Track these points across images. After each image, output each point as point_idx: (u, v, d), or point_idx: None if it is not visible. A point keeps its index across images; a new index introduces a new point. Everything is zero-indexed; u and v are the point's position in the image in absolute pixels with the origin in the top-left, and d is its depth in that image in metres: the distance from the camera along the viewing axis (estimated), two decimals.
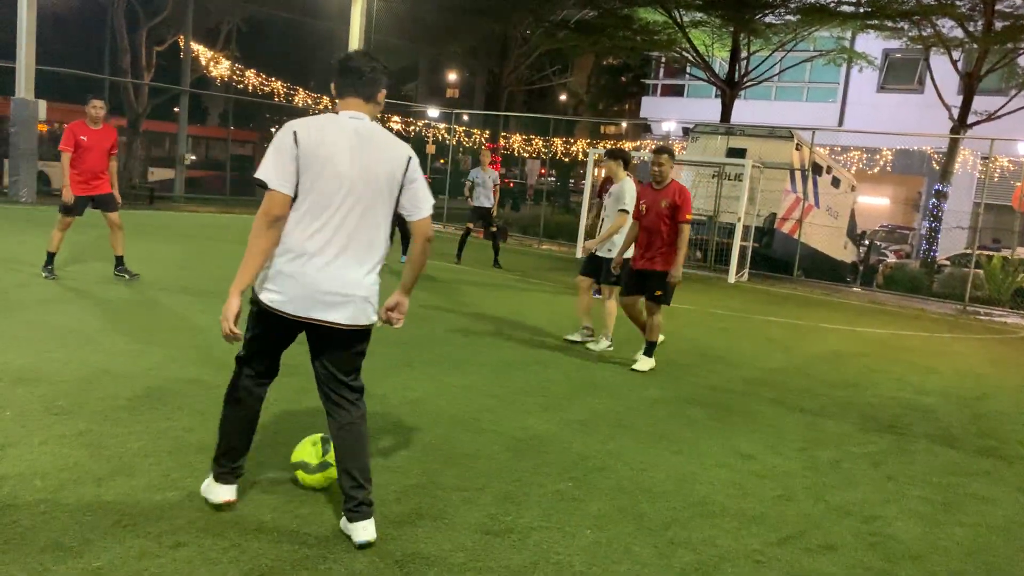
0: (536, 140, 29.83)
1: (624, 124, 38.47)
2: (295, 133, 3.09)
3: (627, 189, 7.37)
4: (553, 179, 39.82)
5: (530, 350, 7.37)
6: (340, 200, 3.14)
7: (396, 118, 29.41)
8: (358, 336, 3.28)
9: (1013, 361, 9.72)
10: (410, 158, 3.25)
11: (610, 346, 7.64)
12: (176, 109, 26.79)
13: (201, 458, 3.90)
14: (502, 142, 28.68)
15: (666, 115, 30.22)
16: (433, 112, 30.99)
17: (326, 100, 27.93)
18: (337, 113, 3.25)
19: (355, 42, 19.57)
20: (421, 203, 3.28)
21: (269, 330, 3.27)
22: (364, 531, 3.22)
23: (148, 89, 24.86)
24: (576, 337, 7.86)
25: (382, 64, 3.31)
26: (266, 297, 3.17)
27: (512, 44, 28.08)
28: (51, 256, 8.30)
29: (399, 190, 3.24)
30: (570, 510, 3.83)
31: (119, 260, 8.61)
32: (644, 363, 6.97)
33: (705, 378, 6.99)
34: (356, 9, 19.48)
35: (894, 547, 3.81)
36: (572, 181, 41.58)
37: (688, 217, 6.85)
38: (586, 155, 19.70)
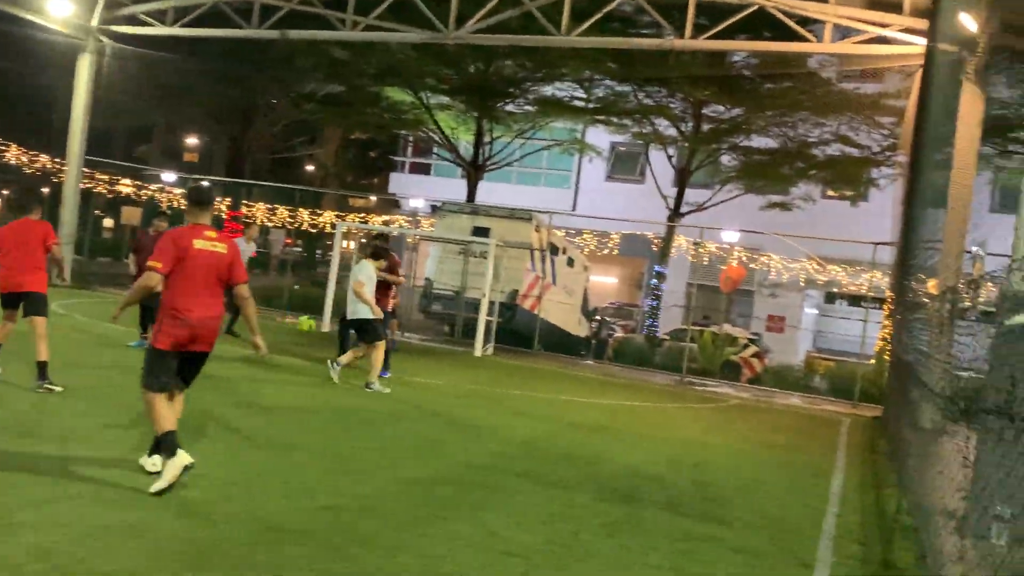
0: (281, 210, 29.11)
1: (373, 198, 38.71)
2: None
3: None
4: (299, 250, 38.91)
5: (271, 430, 6.99)
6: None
7: (127, 181, 27.41)
8: None
9: (725, 428, 10.74)
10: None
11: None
12: None
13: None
14: (244, 210, 27.66)
15: (414, 192, 30.86)
16: (169, 176, 29.26)
17: (44, 159, 25.42)
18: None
19: (81, 99, 18.11)
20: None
21: None
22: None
23: None
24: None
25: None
26: None
27: (256, 111, 27.46)
28: None
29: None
30: None
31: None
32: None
33: (455, 455, 7.01)
34: (83, 65, 18.09)
35: None
36: (320, 253, 40.93)
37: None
38: (334, 227, 19.51)
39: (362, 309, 9.67)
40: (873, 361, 17.43)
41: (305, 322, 16.47)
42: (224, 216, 27.22)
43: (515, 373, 14.08)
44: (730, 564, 4.98)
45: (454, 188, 28.50)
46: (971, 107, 10.78)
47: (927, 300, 9.19)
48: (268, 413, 7.75)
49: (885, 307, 17.83)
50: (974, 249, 9.89)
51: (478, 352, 15.78)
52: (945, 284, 9.91)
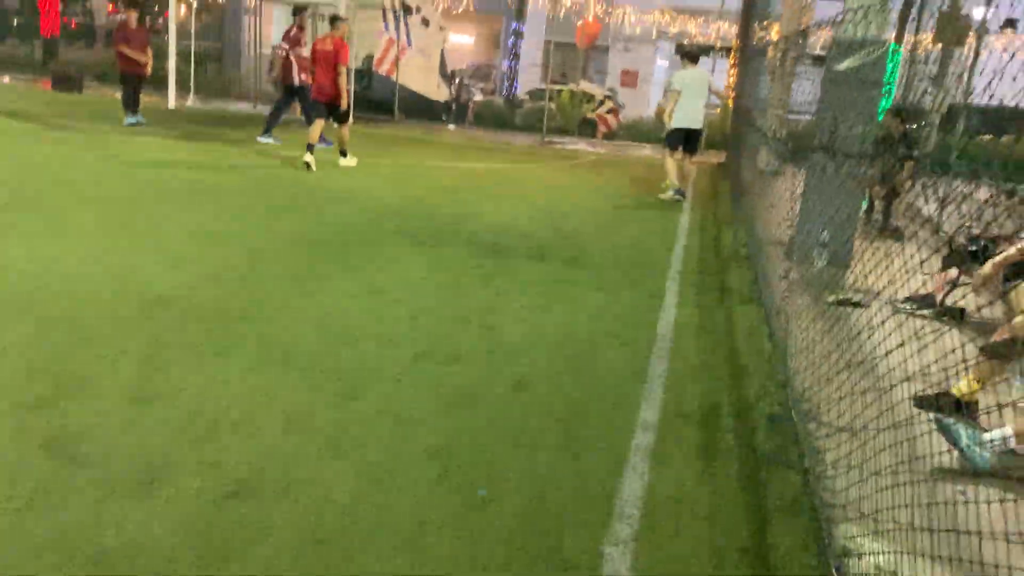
0: None
1: None
2: None
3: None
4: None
5: (115, 210, 6.92)
6: None
7: None
8: None
9: (583, 184, 11.31)
10: None
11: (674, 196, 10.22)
12: None
13: None
14: None
15: None
16: None
17: None
18: None
19: None
20: None
21: None
22: None
23: None
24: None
25: None
26: None
27: None
28: None
29: None
30: (217, 363, 3.89)
31: None
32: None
33: (331, 218, 7.25)
34: None
35: (506, 347, 4.49)
36: (160, 21, 37.33)
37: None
38: None
39: None
40: (719, 110, 18.30)
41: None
42: None
43: (377, 141, 14.05)
44: (592, 299, 5.59)
45: None
46: None
47: (768, 47, 9.67)
48: (130, 183, 7.62)
49: (731, 57, 18.45)
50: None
51: None
52: (785, 31, 10.38)
